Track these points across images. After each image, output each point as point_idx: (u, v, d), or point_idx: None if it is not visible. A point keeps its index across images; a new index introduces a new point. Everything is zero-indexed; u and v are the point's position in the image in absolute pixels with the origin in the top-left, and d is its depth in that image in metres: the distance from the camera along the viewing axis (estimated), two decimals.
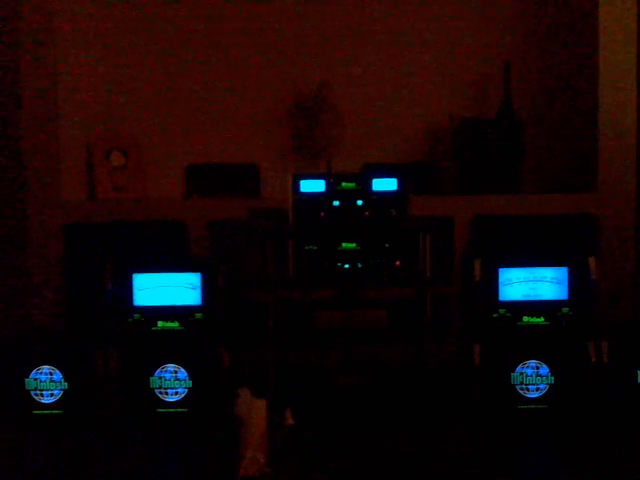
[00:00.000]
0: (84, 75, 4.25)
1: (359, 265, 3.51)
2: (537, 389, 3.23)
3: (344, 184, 3.54)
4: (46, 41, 3.98)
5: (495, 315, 3.28)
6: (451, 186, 4.32)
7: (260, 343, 3.48)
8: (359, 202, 3.53)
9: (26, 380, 3.24)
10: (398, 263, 3.51)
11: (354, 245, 3.51)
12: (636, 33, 3.98)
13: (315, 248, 3.51)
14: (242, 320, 3.55)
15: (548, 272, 3.29)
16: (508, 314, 3.28)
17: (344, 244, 3.51)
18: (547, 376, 3.23)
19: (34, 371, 3.24)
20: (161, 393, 3.26)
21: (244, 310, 3.60)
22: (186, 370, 3.27)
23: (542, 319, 3.27)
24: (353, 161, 4.25)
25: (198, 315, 3.31)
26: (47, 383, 3.24)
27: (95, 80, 4.29)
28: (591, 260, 3.28)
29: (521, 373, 3.23)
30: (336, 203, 3.53)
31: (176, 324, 3.30)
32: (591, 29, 4.09)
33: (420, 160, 4.38)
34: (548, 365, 3.23)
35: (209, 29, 4.33)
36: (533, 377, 3.23)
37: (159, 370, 3.26)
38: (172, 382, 3.27)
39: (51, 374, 3.24)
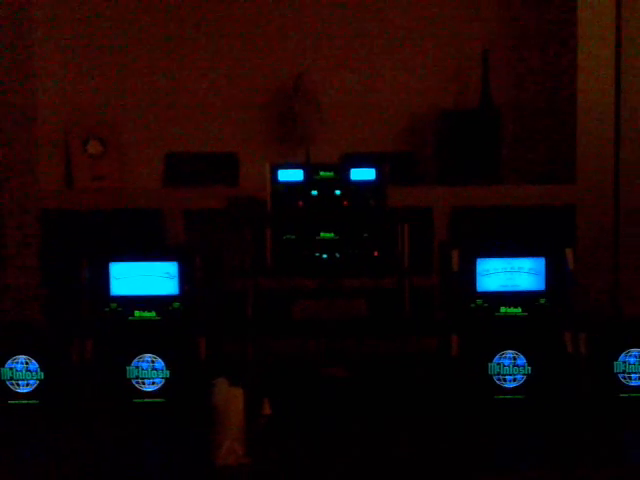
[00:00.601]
0: (61, 62, 4.23)
1: (337, 255, 3.51)
2: (514, 379, 3.23)
3: (322, 173, 3.54)
4: (22, 27, 3.94)
5: (473, 305, 3.28)
6: (431, 176, 4.32)
7: (239, 332, 3.47)
8: (337, 192, 3.53)
9: (2, 369, 3.21)
10: (376, 253, 3.51)
11: (332, 235, 3.51)
12: (614, 23, 3.99)
13: (293, 237, 3.51)
14: (220, 309, 3.54)
15: (525, 262, 3.29)
16: (486, 304, 3.28)
17: (322, 234, 3.51)
18: (524, 366, 3.23)
19: (10, 360, 3.22)
20: (138, 383, 3.25)
21: (222, 299, 3.59)
22: (163, 360, 3.25)
23: (520, 310, 3.28)
24: (333, 151, 4.25)
25: (175, 304, 3.28)
26: (23, 373, 3.22)
27: (73, 67, 4.26)
28: (568, 251, 3.28)
29: (498, 363, 3.24)
30: (314, 192, 3.53)
31: (153, 314, 3.28)
32: (569, 19, 4.09)
33: (400, 150, 4.38)
34: (525, 355, 3.23)
35: (188, 18, 4.30)
36: (510, 367, 3.23)
37: (136, 360, 3.25)
38: (149, 372, 3.25)
39: (27, 364, 3.22)
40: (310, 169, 3.56)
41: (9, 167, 3.91)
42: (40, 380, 3.23)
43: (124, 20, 4.28)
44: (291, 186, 3.54)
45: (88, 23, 4.26)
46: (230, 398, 2.69)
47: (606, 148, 4.01)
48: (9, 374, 3.22)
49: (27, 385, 3.22)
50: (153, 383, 3.25)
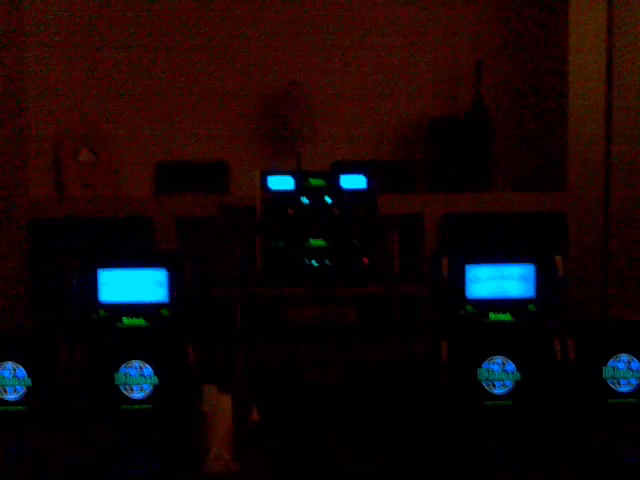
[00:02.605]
0: (53, 72, 4.23)
1: (327, 262, 3.50)
2: (503, 385, 3.23)
3: (312, 181, 3.53)
4: (15, 37, 3.95)
5: (462, 312, 3.28)
6: (422, 184, 4.32)
7: (228, 339, 3.46)
8: (328, 199, 3.52)
9: None
10: (366, 260, 3.51)
11: (322, 242, 3.51)
12: (605, 34, 4.00)
13: (283, 245, 3.50)
14: (210, 316, 3.53)
15: (515, 269, 3.29)
16: (475, 311, 3.28)
17: (312, 241, 3.51)
18: (513, 372, 3.23)
19: None
20: (126, 390, 3.24)
21: (212, 306, 3.58)
22: (151, 366, 3.24)
23: (509, 316, 3.27)
24: (325, 159, 4.25)
25: (164, 311, 3.28)
26: (11, 379, 3.21)
27: (64, 77, 4.26)
28: (558, 258, 3.28)
29: (487, 369, 3.23)
30: (304, 200, 3.52)
31: (142, 320, 3.27)
32: (561, 29, 4.10)
33: (391, 158, 4.38)
34: (514, 361, 3.23)
35: (179, 28, 4.31)
36: (499, 373, 3.23)
37: (124, 366, 3.24)
38: (137, 379, 3.24)
39: (15, 370, 3.21)
40: (300, 177, 3.56)
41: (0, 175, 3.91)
42: (28, 387, 3.22)
43: (115, 30, 4.29)
44: (281, 194, 3.54)
45: (79, 34, 4.26)
46: (218, 404, 2.68)
47: (597, 156, 4.01)
48: None
49: (15, 392, 3.21)
50: (141, 390, 3.24)
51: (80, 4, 4.27)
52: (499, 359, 3.22)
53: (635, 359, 3.24)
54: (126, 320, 3.27)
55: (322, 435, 3.04)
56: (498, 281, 3.31)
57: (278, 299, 3.56)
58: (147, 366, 3.24)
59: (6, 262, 3.84)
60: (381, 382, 3.42)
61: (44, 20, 4.19)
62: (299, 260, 3.52)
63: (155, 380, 3.24)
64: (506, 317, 3.28)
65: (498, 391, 3.23)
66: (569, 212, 3.97)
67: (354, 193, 3.55)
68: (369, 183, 3.56)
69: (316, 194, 3.54)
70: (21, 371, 3.21)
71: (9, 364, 3.21)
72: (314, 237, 3.51)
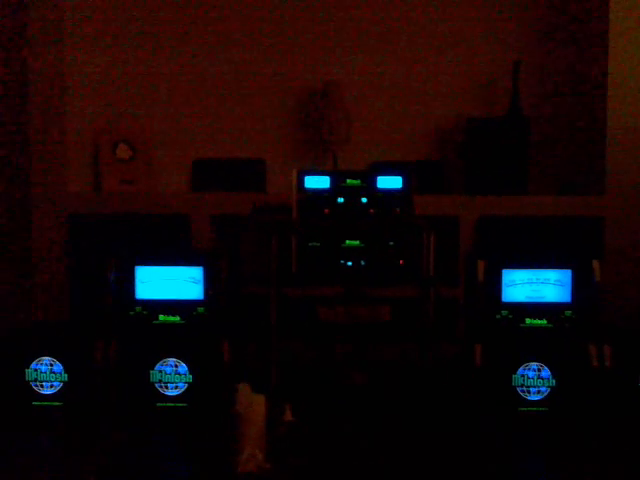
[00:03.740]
0: (92, 67, 4.25)
1: (362, 263, 3.50)
2: (538, 391, 3.21)
3: (349, 181, 3.53)
4: (54, 33, 3.98)
5: (498, 316, 3.27)
6: (457, 186, 4.30)
7: (262, 338, 3.47)
8: (364, 199, 3.52)
9: (26, 371, 3.24)
10: (402, 262, 3.50)
11: (358, 243, 3.50)
12: None
13: (318, 245, 3.50)
14: (244, 315, 3.54)
15: (551, 274, 3.27)
16: (510, 315, 3.27)
17: (348, 241, 3.50)
18: (549, 379, 3.21)
19: (34, 362, 3.24)
20: (161, 387, 3.26)
21: (247, 305, 3.59)
22: (187, 364, 3.26)
23: (545, 321, 3.26)
24: (361, 159, 4.24)
25: (200, 309, 3.30)
26: (47, 374, 3.24)
27: (103, 73, 4.29)
28: (595, 263, 3.26)
29: (522, 375, 3.22)
30: (340, 200, 3.52)
31: (177, 318, 3.29)
32: (601, 30, 4.06)
33: (427, 159, 4.37)
34: (550, 367, 3.21)
35: (217, 25, 4.32)
36: (534, 379, 3.21)
37: (160, 364, 3.26)
38: (172, 376, 3.26)
39: (51, 365, 3.24)
40: (337, 176, 3.55)
41: (38, 171, 3.94)
42: (64, 382, 3.24)
43: (154, 28, 4.30)
44: (318, 193, 3.53)
45: (119, 31, 4.28)
46: (252, 404, 2.68)
47: (636, 159, 3.97)
48: (33, 375, 3.24)
49: (51, 387, 3.24)
50: (176, 387, 3.26)
51: (120, 0, 4.30)
52: (534, 365, 3.21)
53: None
54: (162, 317, 3.29)
55: (355, 436, 3.04)
56: (534, 286, 3.29)
57: (313, 299, 3.57)
58: (182, 364, 3.25)
59: (44, 258, 3.88)
60: (415, 384, 3.42)
61: (84, 15, 4.21)
62: (334, 260, 3.51)
63: (190, 378, 3.25)
64: (542, 322, 3.26)
65: (533, 397, 3.21)
66: (607, 216, 3.93)
67: (390, 194, 3.54)
68: (405, 184, 3.54)
69: (352, 194, 3.53)
70: (58, 366, 3.24)
71: (46, 359, 3.24)
72: (350, 237, 3.51)
